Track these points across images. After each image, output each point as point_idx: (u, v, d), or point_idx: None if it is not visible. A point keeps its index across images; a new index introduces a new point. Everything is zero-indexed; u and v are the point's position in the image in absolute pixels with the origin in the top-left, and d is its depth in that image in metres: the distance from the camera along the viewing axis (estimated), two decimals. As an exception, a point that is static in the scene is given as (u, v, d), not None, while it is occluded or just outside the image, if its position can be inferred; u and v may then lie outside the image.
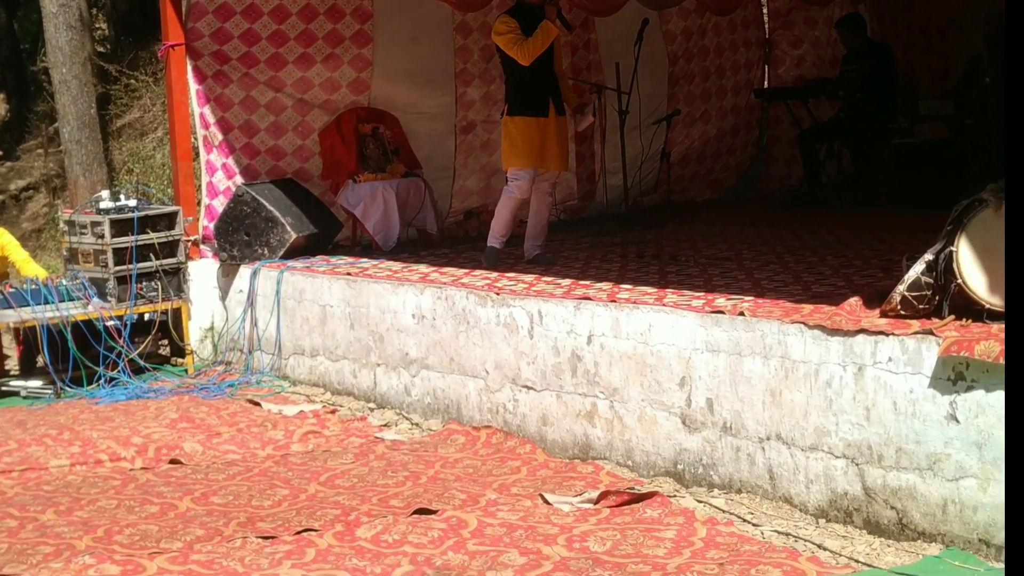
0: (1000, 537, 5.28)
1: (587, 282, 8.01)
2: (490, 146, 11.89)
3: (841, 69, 12.91)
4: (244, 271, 10.05)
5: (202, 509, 6.45)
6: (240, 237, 10.05)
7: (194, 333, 10.28)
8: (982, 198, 5.71)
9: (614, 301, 7.19)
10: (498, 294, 7.86)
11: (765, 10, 14.27)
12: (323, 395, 9.20)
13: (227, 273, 10.28)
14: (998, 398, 5.26)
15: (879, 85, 12.23)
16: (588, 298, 7.34)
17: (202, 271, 10.38)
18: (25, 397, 9.45)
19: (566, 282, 8.09)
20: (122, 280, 9.77)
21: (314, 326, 9.40)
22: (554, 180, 9.66)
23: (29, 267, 10.46)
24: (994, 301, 5.65)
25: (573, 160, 12.53)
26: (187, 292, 10.16)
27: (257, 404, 8.77)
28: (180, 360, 10.18)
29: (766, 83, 14.30)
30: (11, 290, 9.71)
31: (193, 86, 10.44)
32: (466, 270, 9.03)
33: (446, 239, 11.15)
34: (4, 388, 9.61)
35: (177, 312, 10.10)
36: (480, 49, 11.84)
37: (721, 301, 6.82)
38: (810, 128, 12.92)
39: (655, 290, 7.50)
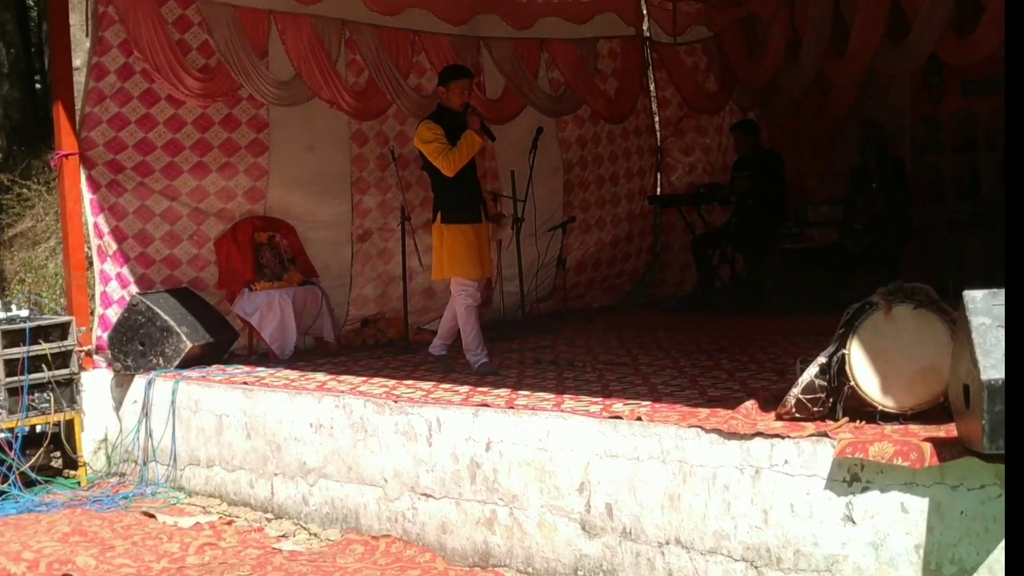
0: (898, 637, 5.32)
1: (485, 388, 8.02)
2: (386, 254, 11.92)
3: (732, 175, 13.16)
4: (139, 381, 9.92)
5: (95, 625, 6.32)
6: (134, 347, 9.94)
7: (87, 444, 10.09)
8: (872, 301, 5.82)
9: (512, 407, 7.20)
10: (396, 402, 7.84)
11: (657, 118, 14.53)
12: (219, 506, 9.07)
13: (121, 383, 10.14)
14: (893, 499, 5.32)
15: (769, 191, 12.48)
16: (486, 405, 7.35)
17: (96, 381, 10.22)
18: (-90, 513, 9.21)
19: (464, 389, 8.09)
20: (13, 391, 9.58)
21: (210, 436, 9.29)
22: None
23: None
24: (886, 402, 5.75)
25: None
26: (80, 403, 9.98)
27: (152, 516, 8.61)
28: (73, 472, 9.98)
29: (659, 190, 14.51)
30: None
31: (87, 195, 10.34)
32: (364, 378, 9.00)
33: (343, 347, 11.12)
34: None
35: (70, 423, 9.91)
36: (376, 157, 11.91)
37: (619, 406, 6.85)
38: (703, 234, 13.11)
39: (553, 396, 7.53)
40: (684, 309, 12.73)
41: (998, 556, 5.00)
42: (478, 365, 9.10)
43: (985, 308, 4.97)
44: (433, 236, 9.25)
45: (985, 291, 5.03)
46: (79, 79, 10.75)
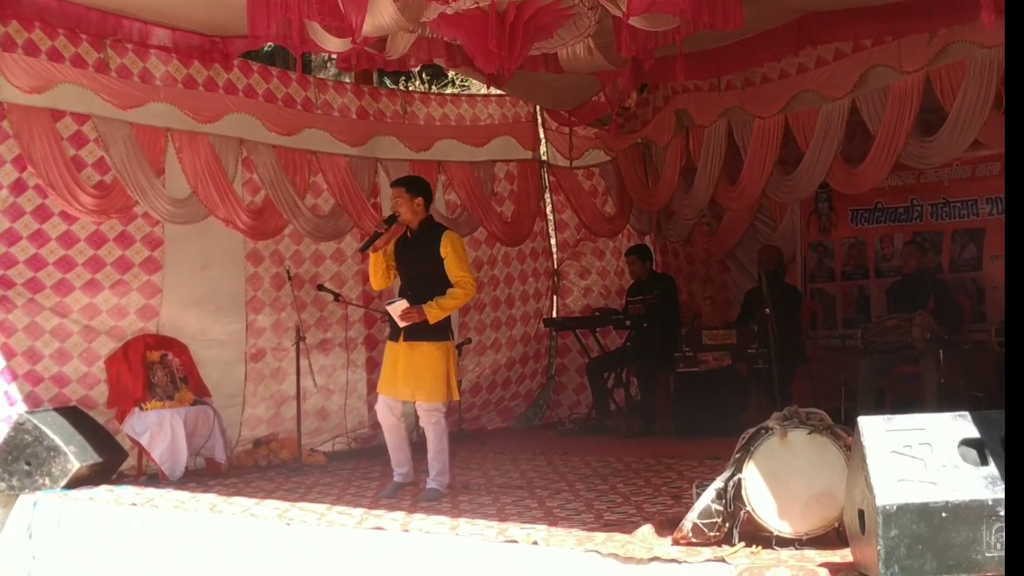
0: None
1: (379, 512, 7.96)
2: (280, 374, 11.82)
3: (627, 299, 13.28)
4: (24, 501, 9.67)
5: None
6: (20, 467, 9.73)
7: (-33, 568, 9.84)
8: (768, 426, 5.88)
9: (407, 531, 7.14)
10: (288, 525, 7.74)
11: (554, 241, 14.65)
12: (104, 631, 8.87)
13: (5, 504, 9.89)
14: (789, 624, 5.34)
15: (664, 315, 12.61)
16: (380, 528, 7.29)
17: (-22, 502, 10.00)
18: None
19: (358, 512, 8.01)
20: None
21: (97, 558, 9.07)
22: None
23: None
24: (782, 528, 5.78)
25: (364, 388, 12.58)
26: (-39, 524, 9.76)
27: (33, 643, 8.41)
28: (-49, 598, 9.72)
29: (555, 312, 14.58)
30: None
31: (-25, 312, 10.21)
32: (256, 500, 8.89)
33: (235, 468, 10.97)
34: None
35: (-51, 546, 9.68)
36: (271, 277, 11.87)
37: (514, 530, 6.82)
38: (598, 357, 13.17)
39: (448, 519, 7.48)
40: (579, 432, 12.73)
41: None
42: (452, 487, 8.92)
43: (879, 434, 5.05)
44: (434, 356, 8.79)
45: (879, 417, 5.11)
46: (-30, 194, 10.62)
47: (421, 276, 8.81)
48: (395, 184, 9.22)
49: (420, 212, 8.87)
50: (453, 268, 8.71)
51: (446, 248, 8.73)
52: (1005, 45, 4.47)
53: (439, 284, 8.73)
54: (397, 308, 8.72)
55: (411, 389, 8.78)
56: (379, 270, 9.05)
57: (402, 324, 8.68)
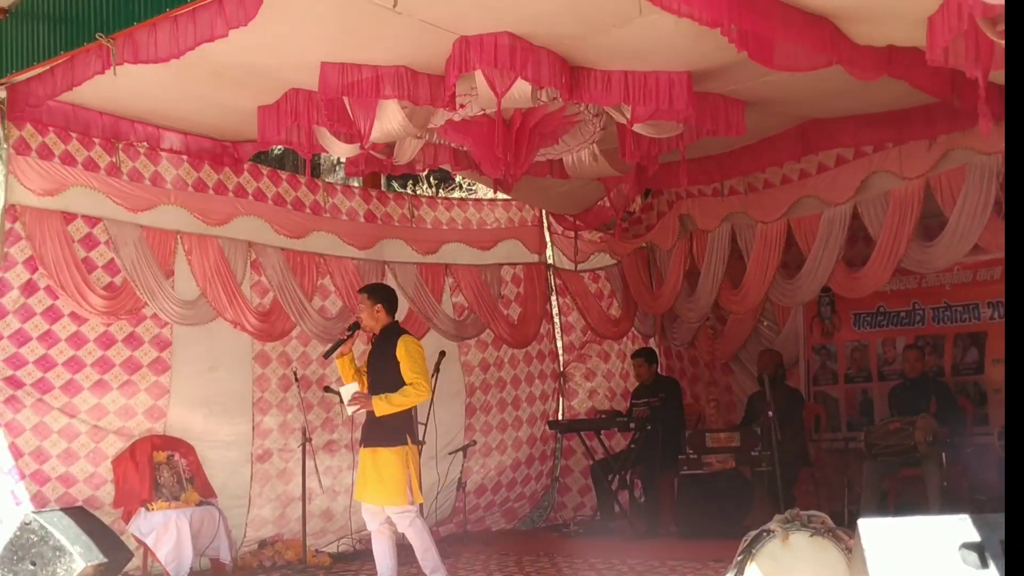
0: None
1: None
2: (286, 475, 11.79)
3: (631, 402, 13.28)
4: (28, 602, 9.66)
5: None
6: (25, 567, 9.68)
7: (-29, 670, 9.76)
8: (770, 529, 5.88)
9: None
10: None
11: (560, 343, 14.68)
12: None
13: (9, 605, 9.87)
14: None
15: (668, 417, 12.60)
16: (385, 629, 7.25)
17: (-18, 602, 9.95)
18: None
19: (361, 614, 7.99)
20: None
21: (99, 660, 9.03)
22: None
23: None
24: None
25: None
26: (-35, 625, 9.70)
27: None
28: None
29: (560, 414, 14.57)
30: None
31: (-16, 412, 10.22)
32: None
33: (240, 569, 10.93)
34: None
35: (-47, 647, 9.62)
36: (279, 379, 11.88)
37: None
38: (603, 459, 13.15)
39: (453, 621, 7.44)
40: (583, 533, 12.67)
41: None
42: None
43: (880, 536, 5.03)
44: (390, 461, 8.84)
45: (880, 519, 5.11)
46: (-20, 296, 10.69)
47: (381, 378, 8.95)
48: (360, 291, 9.50)
49: (381, 318, 9.10)
50: (406, 370, 8.83)
51: (400, 351, 8.88)
52: (1005, 65, 4.50)
53: (398, 387, 8.85)
54: (348, 392, 9.00)
55: (379, 495, 8.88)
56: (348, 373, 9.24)
57: (349, 409, 8.99)
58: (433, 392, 11.49)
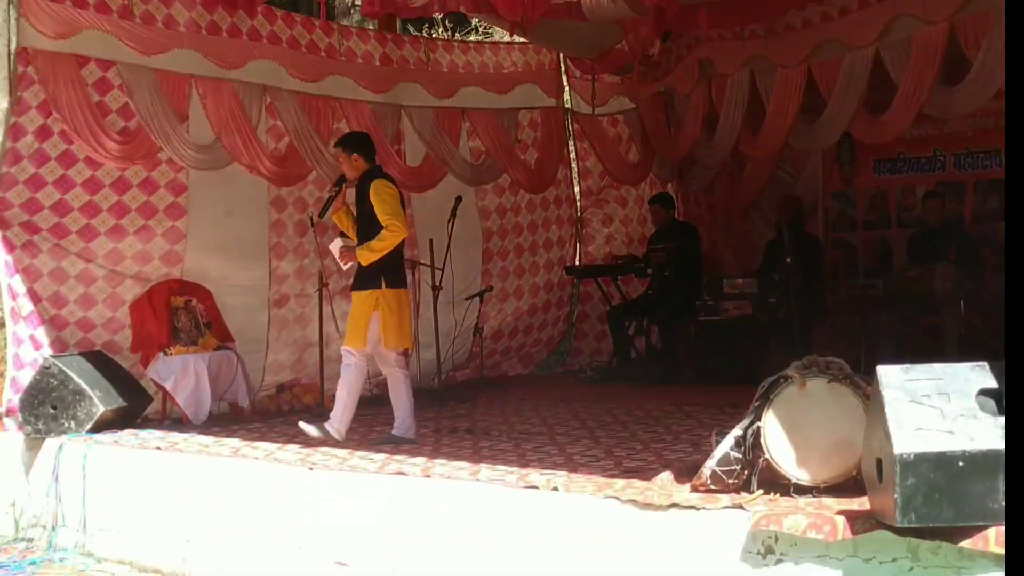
0: None
1: (401, 457, 7.98)
2: (303, 319, 11.86)
3: (648, 247, 13.25)
4: (50, 445, 9.75)
5: None
6: (46, 410, 9.80)
7: (-6, 510, 9.93)
8: (787, 375, 5.87)
9: (428, 476, 7.17)
10: (311, 469, 7.78)
11: (577, 189, 14.63)
12: (129, 572, 8.92)
13: (31, 447, 9.97)
14: (807, 571, 5.35)
15: (685, 263, 12.59)
16: (402, 473, 7.31)
17: (5, 445, 10.03)
18: None
19: (380, 457, 8.04)
20: (-81, 454, 9.45)
21: (121, 502, 9.14)
22: None
23: None
24: (800, 476, 5.79)
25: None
26: (-12, 467, 9.84)
27: (60, 584, 8.49)
28: (-22, 538, 9.82)
29: (577, 260, 14.57)
30: None
31: (2, 256, 10.22)
32: (278, 444, 8.94)
33: (258, 413, 11.03)
34: None
35: (-24, 488, 9.77)
36: (295, 223, 11.89)
37: (535, 476, 6.83)
38: (619, 305, 13.18)
39: (469, 465, 7.49)
40: (600, 379, 12.73)
41: (909, 629, 5.04)
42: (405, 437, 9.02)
43: (898, 383, 5.03)
44: (356, 302, 9.02)
45: (898, 366, 5.10)
46: (-4, 139, 10.65)
47: (364, 223, 8.98)
48: (335, 146, 9.53)
49: (360, 165, 9.06)
50: (379, 213, 8.84)
51: (373, 195, 8.88)
52: (1005, 64, 4.38)
53: (379, 230, 8.87)
54: (335, 247, 9.12)
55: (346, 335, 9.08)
56: (347, 225, 9.26)
57: (342, 264, 9.12)
58: (450, 238, 11.52)
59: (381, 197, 8.86)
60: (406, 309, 9.13)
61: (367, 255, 8.82)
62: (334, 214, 9.25)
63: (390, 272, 8.97)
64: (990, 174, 12.13)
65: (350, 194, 9.21)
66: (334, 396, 11.01)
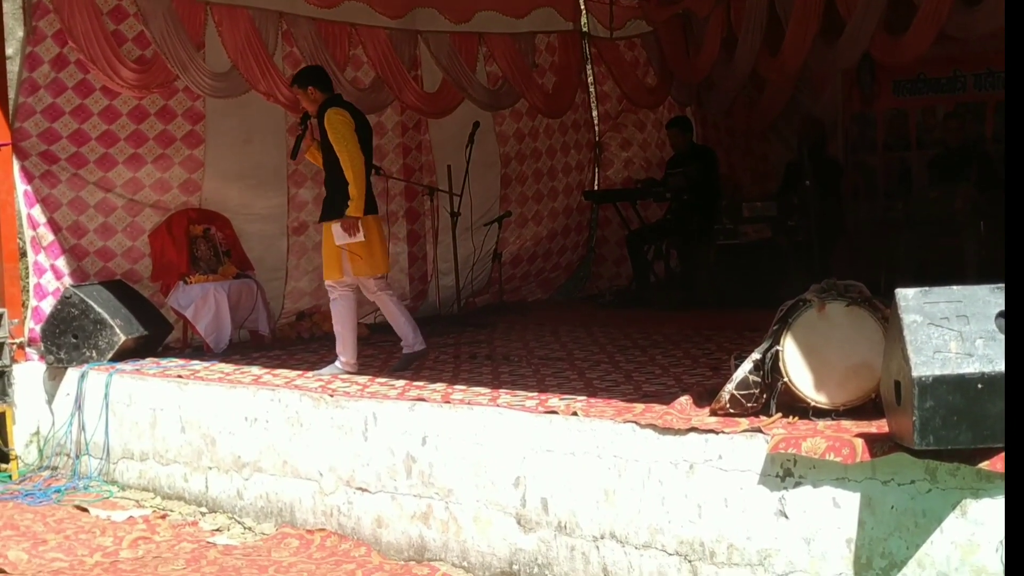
0: (829, 630, 5.38)
1: (421, 383, 8.01)
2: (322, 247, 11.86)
3: (667, 172, 13.20)
4: (72, 374, 9.84)
5: (28, 620, 6.27)
6: (68, 339, 9.86)
7: (19, 438, 9.98)
8: (806, 298, 5.87)
9: (448, 402, 7.20)
10: (332, 396, 7.83)
11: (595, 113, 14.56)
12: (153, 500, 9.01)
13: (54, 376, 10.05)
14: (825, 494, 5.37)
15: (704, 187, 12.54)
16: (422, 399, 7.35)
17: (28, 374, 10.12)
18: None
19: (400, 383, 8.08)
20: (-57, 384, 9.53)
21: (144, 430, 9.23)
22: None
23: None
24: (819, 399, 5.80)
25: (406, 261, 12.64)
26: (11, 396, 9.90)
27: (85, 510, 8.55)
28: (4, 466, 9.87)
29: (596, 184, 14.53)
30: None
31: (20, 186, 10.24)
32: (299, 371, 8.98)
33: (278, 340, 11.08)
34: None
35: (1, 417, 9.83)
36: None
37: (554, 401, 6.86)
38: (638, 229, 13.15)
39: (489, 390, 7.52)
40: (618, 304, 12.74)
41: (928, 550, 5.06)
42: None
43: (917, 306, 5.02)
44: (327, 233, 8.96)
45: (917, 289, 5.08)
46: (12, 68, 10.62)
47: (328, 155, 8.91)
48: (290, 85, 9.36)
49: (317, 97, 8.94)
50: (333, 143, 8.76)
51: (326, 125, 8.80)
52: (1005, 64, 4.29)
53: (338, 161, 8.81)
54: (341, 240, 8.81)
55: (324, 268, 9.09)
56: (319, 160, 9.17)
57: (355, 239, 8.76)
58: (468, 163, 11.52)
59: (333, 126, 8.77)
60: (375, 234, 9.00)
61: (355, 207, 8.68)
62: (307, 153, 9.17)
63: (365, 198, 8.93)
64: (1010, 94, 12.01)
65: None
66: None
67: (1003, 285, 5.02)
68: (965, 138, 11.47)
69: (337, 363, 8.90)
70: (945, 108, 12.39)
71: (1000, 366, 4.78)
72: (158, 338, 10.38)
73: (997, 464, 4.81)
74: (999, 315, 4.95)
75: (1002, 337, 4.88)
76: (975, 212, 10.36)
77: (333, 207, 8.86)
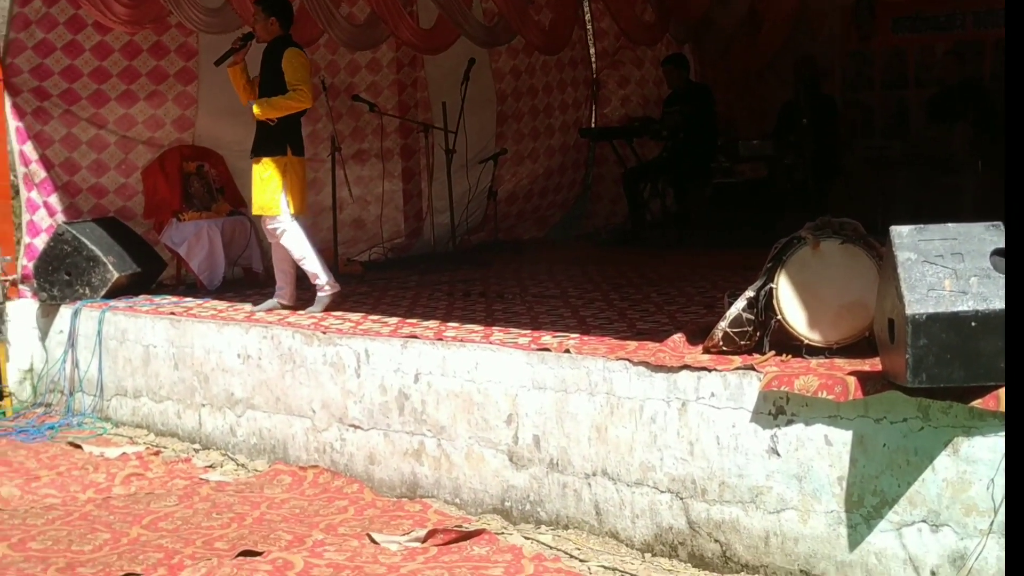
0: (821, 566, 5.38)
1: (414, 320, 7.99)
2: (316, 184, 11.72)
3: (664, 110, 13.13)
4: (65, 311, 9.83)
5: (19, 555, 6.26)
6: (61, 276, 9.83)
7: (12, 375, 9.99)
8: (800, 236, 5.83)
9: (441, 339, 7.18)
10: (324, 333, 7.81)
11: (592, 50, 14.47)
12: (146, 436, 9.02)
13: (47, 313, 10.04)
14: (817, 431, 5.36)
15: (700, 126, 12.49)
16: (415, 336, 7.32)
17: (21, 311, 10.11)
18: None
19: (393, 320, 8.06)
20: (-64, 321, 9.52)
21: (137, 367, 9.22)
22: None
23: None
24: (813, 336, 5.77)
25: (401, 199, 12.60)
26: (4, 333, 9.90)
27: (78, 447, 8.54)
28: (-2, 403, 9.92)
29: (593, 122, 14.46)
30: None
31: (12, 123, 10.18)
32: (293, 309, 8.96)
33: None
34: None
35: (-6, 353, 9.85)
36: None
37: (547, 338, 6.84)
38: (634, 167, 13.10)
39: (482, 328, 7.51)
40: (614, 242, 12.73)
41: (919, 488, 5.05)
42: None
43: (911, 243, 4.98)
44: (275, 169, 8.93)
45: (912, 226, 5.04)
46: (2, 4, 10.54)
47: (270, 88, 8.91)
48: (255, 3, 9.26)
49: (274, 30, 9.00)
50: (289, 79, 8.82)
51: (285, 62, 8.84)
52: (1005, 63, 4.20)
53: (273, 95, 8.88)
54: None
55: (256, 204, 9.05)
56: (240, 83, 9.20)
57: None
58: (463, 100, 11.46)
59: (294, 65, 8.84)
60: (305, 178, 9.21)
61: (266, 110, 8.82)
62: (229, 67, 9.15)
63: (295, 139, 9.02)
64: (1010, 32, 11.93)
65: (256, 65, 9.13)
66: (347, 260, 11.06)
67: (1000, 223, 4.99)
68: (963, 76, 11.39)
69: (319, 297, 8.90)
70: (944, 46, 12.32)
71: (995, 304, 4.76)
72: (151, 275, 10.35)
73: (990, 402, 4.80)
74: (995, 252, 4.91)
75: (997, 275, 4.85)
76: (973, 151, 10.32)
77: (265, 141, 8.95)
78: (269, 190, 8.88)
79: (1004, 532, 4.68)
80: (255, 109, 8.83)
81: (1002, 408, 4.76)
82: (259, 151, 8.97)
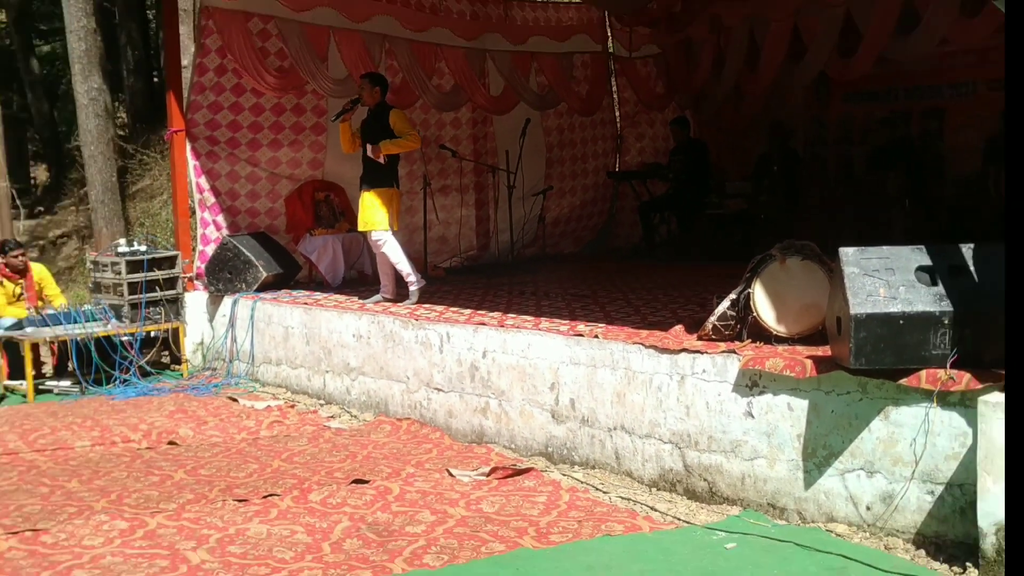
0: (783, 501, 5.35)
1: (482, 312, 7.99)
2: (412, 210, 11.71)
3: (670, 159, 13.06)
4: (227, 301, 9.90)
5: (192, 479, 6.33)
6: (224, 275, 9.91)
7: (188, 347, 10.06)
8: (771, 254, 5.80)
9: (502, 326, 7.18)
10: (416, 320, 7.83)
11: (617, 113, 14.41)
12: (285, 394, 9.07)
13: (214, 302, 10.12)
14: (782, 400, 5.33)
15: (697, 171, 12.42)
16: (483, 323, 7.34)
17: (195, 300, 10.19)
18: (57, 394, 9.21)
19: (467, 311, 8.07)
20: (134, 306, 9.58)
21: (279, 342, 9.27)
22: None
23: (58, 300, 10.27)
24: (780, 329, 5.74)
25: (474, 221, 12.59)
26: (183, 316, 9.97)
27: (235, 400, 8.61)
28: (177, 367, 9.97)
29: (617, 167, 14.42)
30: (48, 313, 9.54)
31: (191, 161, 10.29)
32: (392, 301, 8.98)
33: (377, 278, 11.00)
34: (41, 387, 9.36)
35: (175, 331, 9.91)
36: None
37: (581, 327, 6.83)
38: (648, 201, 13.03)
39: (532, 318, 7.50)
40: (632, 257, 12.67)
41: (858, 444, 5.02)
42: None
43: (855, 260, 4.97)
44: (384, 197, 8.92)
45: (855, 248, 5.04)
46: (186, 75, 10.65)
47: (376, 138, 8.89)
48: (362, 77, 9.34)
49: (377, 97, 9.04)
50: (400, 130, 8.89)
51: (394, 118, 8.94)
52: (1005, 64, 4.12)
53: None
54: (371, 151, 8.90)
55: (367, 223, 8.96)
56: (347, 137, 9.17)
57: (373, 155, 8.87)
58: (521, 149, 11.48)
59: (403, 120, 9.00)
60: (400, 204, 9.27)
61: (390, 147, 8.83)
62: (340, 123, 9.13)
63: (396, 176, 9.09)
64: (931, 104, 11.82)
65: (358, 122, 9.15)
66: (434, 266, 11.05)
67: (922, 246, 4.96)
68: (895, 137, 11.28)
69: (412, 291, 8.89)
70: (881, 113, 12.18)
71: (918, 307, 4.74)
72: (290, 275, 10.41)
73: (913, 381, 4.78)
74: (919, 268, 4.88)
75: (920, 285, 4.82)
76: (902, 193, 10.22)
77: (386, 177, 8.95)
78: (377, 212, 8.88)
79: (1005, 532, 4.62)
80: (382, 146, 8.79)
81: (923, 385, 4.73)
82: (372, 184, 8.93)
